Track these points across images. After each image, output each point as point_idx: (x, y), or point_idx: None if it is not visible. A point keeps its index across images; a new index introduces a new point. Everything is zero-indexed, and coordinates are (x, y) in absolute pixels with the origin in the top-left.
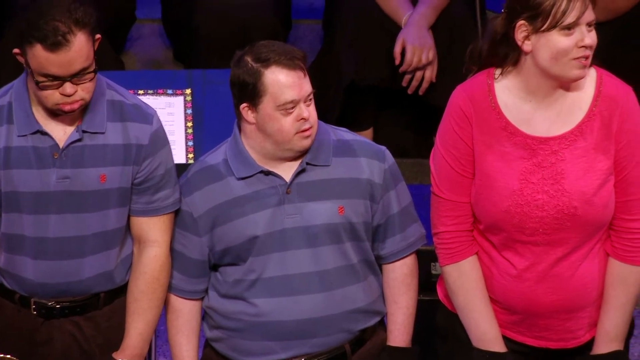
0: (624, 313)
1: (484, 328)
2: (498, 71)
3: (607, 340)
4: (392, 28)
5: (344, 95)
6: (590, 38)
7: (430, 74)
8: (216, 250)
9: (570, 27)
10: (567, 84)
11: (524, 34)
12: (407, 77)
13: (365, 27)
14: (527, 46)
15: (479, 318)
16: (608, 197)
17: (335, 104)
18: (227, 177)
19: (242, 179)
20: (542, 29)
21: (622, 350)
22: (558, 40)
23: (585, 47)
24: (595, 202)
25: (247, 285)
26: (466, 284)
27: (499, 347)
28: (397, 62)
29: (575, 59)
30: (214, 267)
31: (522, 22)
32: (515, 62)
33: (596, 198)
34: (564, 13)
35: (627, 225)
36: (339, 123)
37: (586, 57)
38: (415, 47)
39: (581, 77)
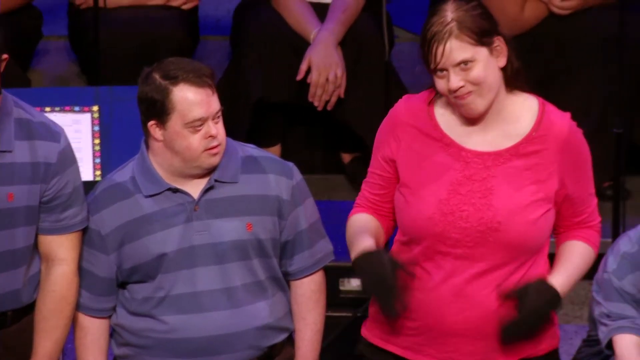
0: (575, 274)
1: (363, 244)
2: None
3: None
4: (300, 44)
5: (252, 112)
6: (457, 80)
7: (338, 90)
8: (124, 268)
9: (437, 72)
10: (506, 109)
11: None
12: (315, 94)
13: (272, 43)
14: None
15: (360, 242)
16: (535, 222)
17: (243, 120)
18: (134, 194)
19: (150, 196)
20: (429, 71)
21: (558, 294)
22: (436, 81)
23: (449, 90)
24: (519, 222)
25: (156, 302)
26: (358, 222)
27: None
28: (300, 77)
29: (455, 97)
30: (122, 285)
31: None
32: None
33: (521, 218)
34: (429, 60)
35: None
36: (248, 139)
37: (457, 97)
38: (321, 66)
39: (470, 115)
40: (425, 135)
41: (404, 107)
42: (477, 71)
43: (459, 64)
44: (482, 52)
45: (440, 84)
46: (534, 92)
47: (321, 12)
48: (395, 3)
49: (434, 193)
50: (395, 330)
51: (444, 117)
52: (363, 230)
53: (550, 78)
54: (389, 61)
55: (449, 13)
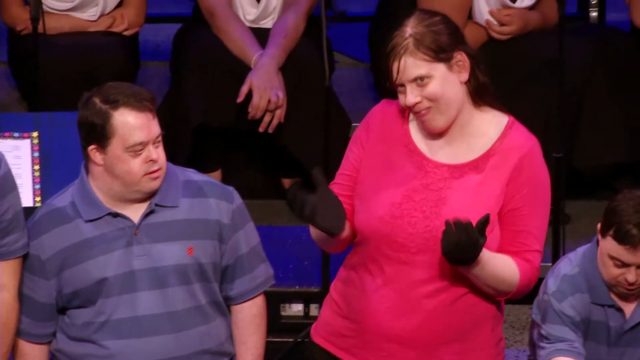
0: (494, 261)
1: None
2: None
3: None
4: (241, 69)
5: (192, 136)
6: (413, 96)
7: (279, 114)
8: (64, 293)
9: (398, 87)
10: (471, 124)
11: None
12: (255, 116)
13: (213, 68)
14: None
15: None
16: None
17: (184, 145)
18: (75, 219)
19: (90, 221)
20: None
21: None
22: (399, 96)
23: (408, 105)
24: None
25: (97, 327)
26: None
27: None
28: (241, 99)
29: (414, 112)
30: (62, 310)
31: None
32: None
33: None
34: (387, 75)
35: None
36: (188, 164)
37: (416, 112)
38: (262, 90)
39: (430, 129)
40: (395, 141)
41: (381, 110)
42: (432, 87)
43: (414, 79)
44: (439, 68)
45: (401, 98)
46: (505, 109)
47: (262, 37)
48: (335, 29)
49: (388, 196)
50: (337, 331)
51: (416, 126)
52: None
53: None
54: (329, 86)
55: (409, 28)
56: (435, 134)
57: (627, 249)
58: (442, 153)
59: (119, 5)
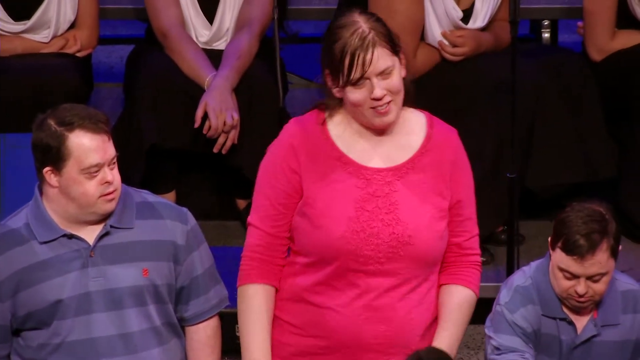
0: (460, 332)
1: (253, 353)
2: (328, 110)
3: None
4: (193, 90)
5: (145, 158)
6: (380, 88)
7: (233, 134)
8: (19, 315)
9: (356, 83)
10: (399, 122)
11: (330, 85)
12: (212, 137)
13: (166, 90)
14: (339, 94)
15: (250, 342)
16: (442, 235)
17: (137, 167)
18: (29, 240)
19: (45, 242)
20: (340, 85)
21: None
22: (351, 94)
23: (375, 99)
24: (428, 234)
25: (52, 349)
26: (250, 307)
27: None
28: (197, 125)
29: (372, 108)
30: (16, 332)
31: (328, 72)
32: (341, 102)
33: (429, 230)
34: (349, 71)
35: (463, 259)
36: (142, 186)
37: (381, 106)
38: (217, 111)
39: (385, 124)
40: (324, 156)
41: (299, 131)
42: (395, 79)
43: (382, 72)
44: (396, 61)
45: (358, 94)
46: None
47: (215, 58)
48: (288, 50)
49: (341, 212)
50: (302, 350)
51: (339, 136)
52: (259, 324)
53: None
54: (283, 107)
55: (363, 24)
56: (363, 139)
57: (575, 260)
58: (376, 158)
59: (71, 27)
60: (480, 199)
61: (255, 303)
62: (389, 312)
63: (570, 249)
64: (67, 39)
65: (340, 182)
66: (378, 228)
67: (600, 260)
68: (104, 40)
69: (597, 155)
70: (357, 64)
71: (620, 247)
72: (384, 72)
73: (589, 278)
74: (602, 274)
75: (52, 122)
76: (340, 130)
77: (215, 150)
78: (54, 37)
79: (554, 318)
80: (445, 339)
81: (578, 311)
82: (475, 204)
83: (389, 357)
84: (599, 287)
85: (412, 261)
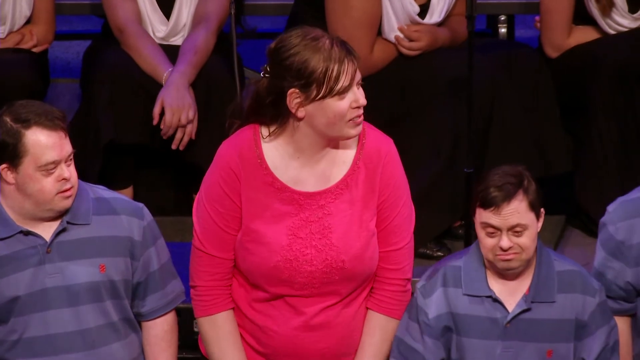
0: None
1: None
2: (265, 131)
3: None
4: (150, 86)
5: (103, 153)
6: (362, 96)
7: (190, 129)
8: None
9: (344, 92)
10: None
11: (297, 101)
12: (167, 134)
13: (123, 85)
14: (301, 113)
15: None
16: (374, 250)
17: (94, 162)
18: None
19: (1, 239)
20: (317, 97)
21: None
22: (333, 105)
23: (359, 106)
24: (362, 256)
25: (9, 346)
26: (220, 335)
27: None
28: (155, 122)
29: (350, 120)
30: None
31: (293, 90)
32: (284, 123)
33: (363, 251)
34: (337, 79)
35: (390, 275)
36: (99, 181)
37: (359, 116)
38: (174, 108)
39: (357, 134)
40: (260, 183)
41: (236, 154)
42: (362, 92)
43: (359, 82)
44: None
45: (342, 104)
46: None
47: (172, 54)
48: (245, 45)
49: (275, 240)
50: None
51: (273, 161)
52: (234, 350)
53: (400, 118)
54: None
55: (326, 37)
56: (296, 160)
57: (492, 212)
58: (310, 180)
59: (27, 23)
60: (437, 194)
61: (227, 329)
62: (328, 328)
63: (486, 202)
64: (23, 34)
65: (275, 209)
66: (311, 255)
67: (518, 209)
68: (61, 35)
69: (553, 150)
70: (345, 71)
71: (542, 211)
72: (359, 82)
73: (510, 230)
74: (523, 226)
75: (7, 119)
76: (276, 154)
77: (173, 146)
78: (10, 33)
79: (480, 297)
80: None
81: (508, 274)
82: (407, 216)
83: None
84: (523, 241)
85: (348, 282)
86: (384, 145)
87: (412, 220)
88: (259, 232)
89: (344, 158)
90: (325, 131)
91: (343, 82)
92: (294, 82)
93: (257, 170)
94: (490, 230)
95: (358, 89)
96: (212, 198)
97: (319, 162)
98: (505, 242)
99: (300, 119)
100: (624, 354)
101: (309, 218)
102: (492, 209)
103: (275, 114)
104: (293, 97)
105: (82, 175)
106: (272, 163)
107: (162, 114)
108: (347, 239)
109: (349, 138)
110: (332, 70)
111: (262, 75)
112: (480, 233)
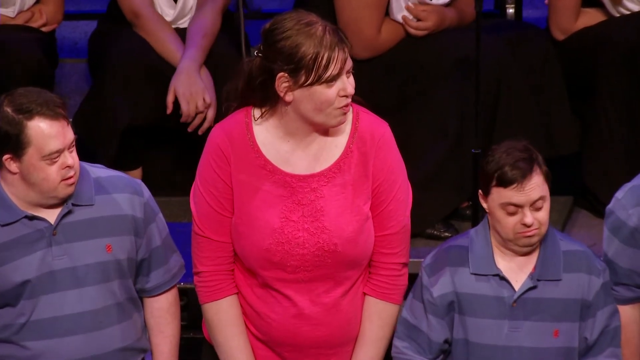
0: (379, 348)
1: None
2: (257, 113)
3: None
4: (164, 67)
5: (119, 138)
6: (351, 85)
7: (211, 117)
8: None
9: (333, 80)
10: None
11: (285, 85)
12: (187, 121)
13: (138, 70)
14: (288, 97)
15: (237, 354)
16: (368, 234)
17: (109, 146)
18: None
19: (6, 225)
20: (306, 83)
21: None
22: (321, 92)
23: (347, 96)
24: (355, 239)
25: (17, 328)
26: (224, 321)
27: None
28: (169, 111)
29: (338, 108)
30: None
31: (283, 74)
32: (273, 105)
33: (356, 235)
34: (326, 67)
35: (385, 260)
36: (111, 164)
37: (347, 105)
38: (187, 96)
39: (343, 123)
40: (251, 165)
41: (226, 138)
42: (353, 80)
43: (349, 70)
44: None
45: (330, 92)
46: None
47: (180, 37)
48: (251, 25)
49: (266, 223)
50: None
51: (264, 143)
52: (239, 335)
53: (407, 99)
54: None
55: (320, 23)
56: (288, 144)
57: (515, 189)
58: (301, 164)
59: (37, 3)
60: (445, 175)
61: (232, 314)
62: (324, 316)
63: (507, 181)
64: (33, 13)
65: (266, 192)
66: (303, 238)
67: (538, 182)
68: (68, 15)
69: (560, 131)
70: (335, 59)
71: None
72: (350, 70)
73: (532, 205)
74: (544, 198)
75: (9, 110)
76: (267, 136)
77: (190, 129)
78: (20, 12)
79: (486, 275)
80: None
81: (524, 252)
82: (403, 196)
83: (329, 357)
84: (542, 215)
85: (341, 266)
86: (378, 129)
87: (408, 204)
88: (251, 215)
89: (337, 142)
90: (311, 117)
91: (332, 70)
92: (284, 66)
93: (248, 153)
94: (512, 209)
95: (348, 77)
96: (206, 181)
97: (310, 145)
98: (529, 217)
99: (287, 103)
100: (638, 342)
101: (302, 201)
102: (514, 186)
103: (264, 95)
104: (282, 81)
105: (95, 158)
106: (263, 145)
107: (176, 101)
108: (339, 222)
109: (333, 127)
110: (322, 58)
111: (255, 54)
112: (499, 213)
